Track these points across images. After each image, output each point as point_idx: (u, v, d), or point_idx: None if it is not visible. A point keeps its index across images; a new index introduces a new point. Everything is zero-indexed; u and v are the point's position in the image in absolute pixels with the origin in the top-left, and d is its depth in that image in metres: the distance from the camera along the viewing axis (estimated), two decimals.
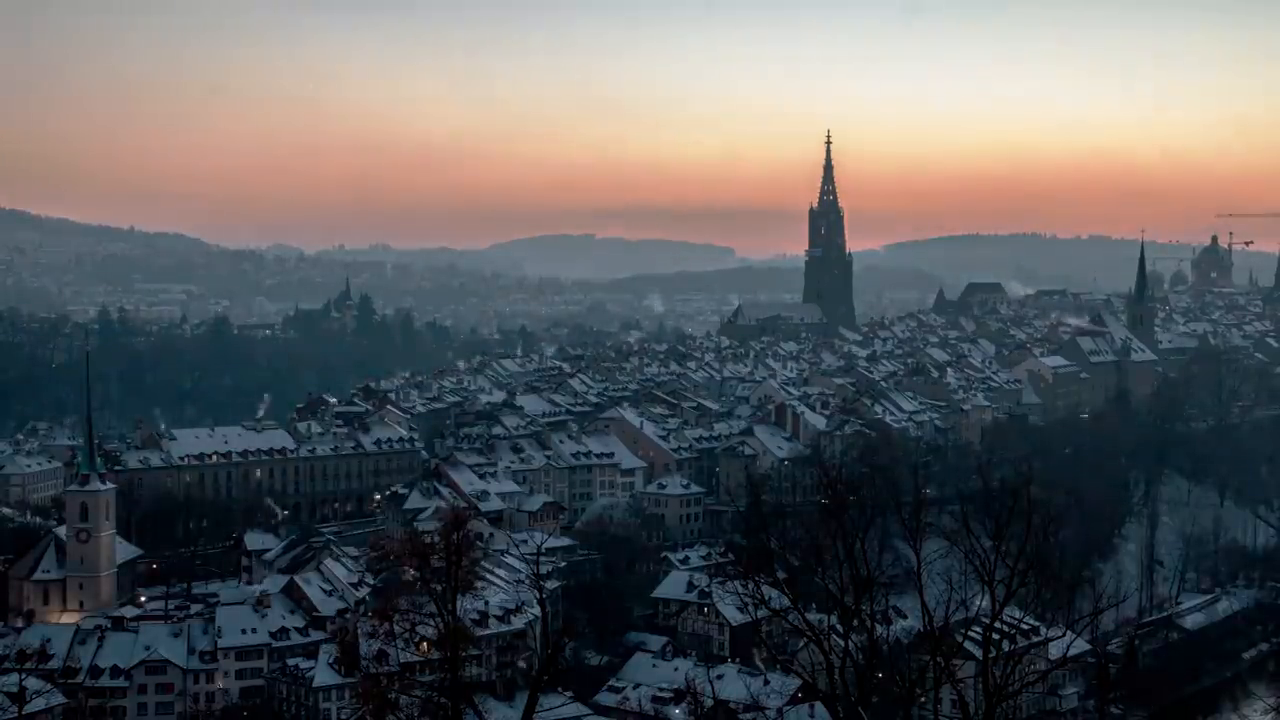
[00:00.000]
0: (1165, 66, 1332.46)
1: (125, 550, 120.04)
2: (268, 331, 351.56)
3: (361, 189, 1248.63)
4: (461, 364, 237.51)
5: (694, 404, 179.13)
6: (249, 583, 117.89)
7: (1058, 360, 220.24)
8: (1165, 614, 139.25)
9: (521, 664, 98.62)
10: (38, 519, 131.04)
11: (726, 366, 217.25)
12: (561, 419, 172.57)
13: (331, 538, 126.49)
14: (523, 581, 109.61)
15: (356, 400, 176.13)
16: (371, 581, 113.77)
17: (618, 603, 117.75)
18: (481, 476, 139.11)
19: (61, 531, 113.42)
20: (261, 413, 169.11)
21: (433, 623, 46.71)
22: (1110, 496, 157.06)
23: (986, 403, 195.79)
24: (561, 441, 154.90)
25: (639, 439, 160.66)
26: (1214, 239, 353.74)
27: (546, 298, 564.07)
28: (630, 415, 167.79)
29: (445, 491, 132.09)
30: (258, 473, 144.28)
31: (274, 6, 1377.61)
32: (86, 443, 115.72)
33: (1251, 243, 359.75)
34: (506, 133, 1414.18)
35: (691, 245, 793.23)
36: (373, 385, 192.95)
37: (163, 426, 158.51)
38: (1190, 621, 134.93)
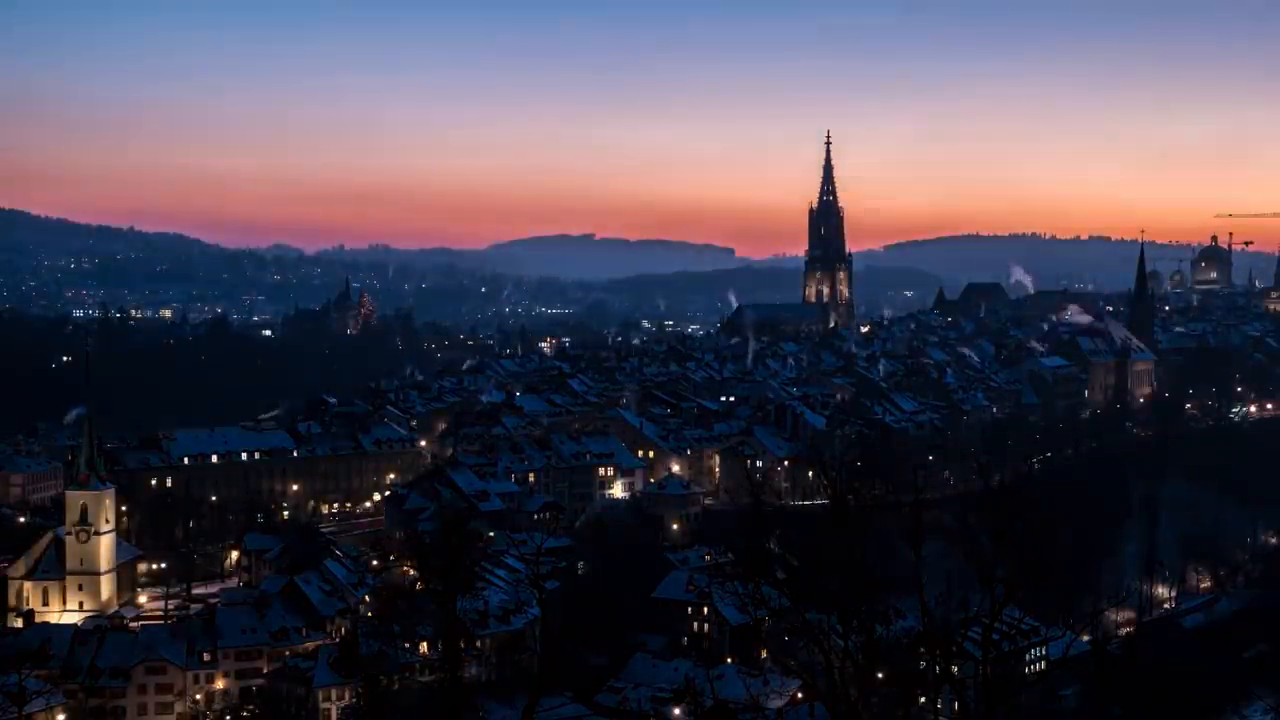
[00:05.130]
0: (1165, 65, 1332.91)
1: (125, 550, 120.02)
2: (268, 331, 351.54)
3: (361, 189, 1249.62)
4: (462, 364, 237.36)
5: (694, 404, 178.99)
6: (249, 583, 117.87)
7: (1058, 360, 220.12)
8: (1165, 614, 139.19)
9: (521, 664, 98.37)
10: (38, 519, 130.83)
11: (726, 366, 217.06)
12: (561, 419, 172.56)
13: (331, 538, 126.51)
14: (523, 581, 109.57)
15: (356, 400, 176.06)
16: (371, 581, 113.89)
17: (618, 603, 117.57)
18: (481, 476, 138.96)
19: (61, 531, 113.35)
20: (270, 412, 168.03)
21: (432, 623, 46.83)
22: (1110, 496, 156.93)
23: (986, 403, 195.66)
24: (561, 441, 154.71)
25: (639, 439, 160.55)
26: (1214, 239, 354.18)
27: (546, 298, 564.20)
28: (630, 415, 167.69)
29: (445, 492, 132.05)
30: (258, 473, 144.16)
31: (273, 8, 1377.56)
32: (87, 443, 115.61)
33: (1251, 243, 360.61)
34: (507, 133, 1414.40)
35: (691, 245, 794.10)
36: (373, 385, 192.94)
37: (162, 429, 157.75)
38: (1190, 621, 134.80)
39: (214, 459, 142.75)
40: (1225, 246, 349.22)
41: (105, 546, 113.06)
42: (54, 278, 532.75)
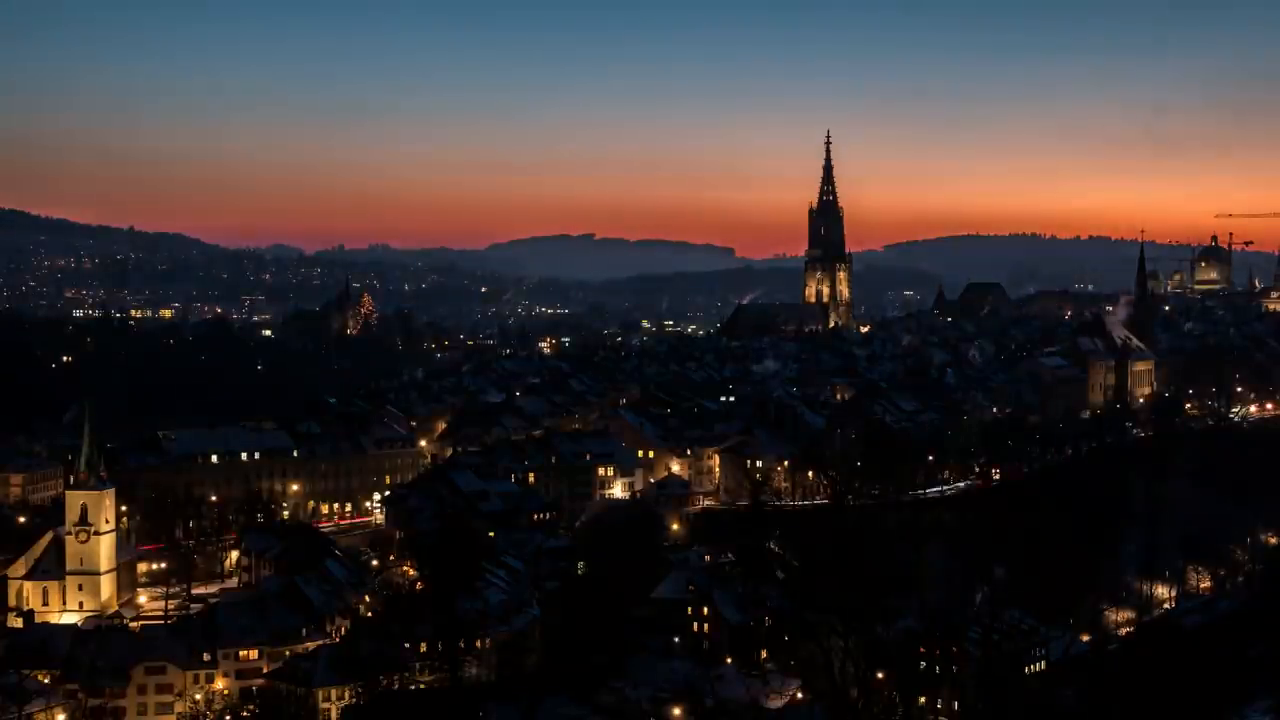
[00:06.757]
0: (1165, 65, 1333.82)
1: (125, 550, 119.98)
2: (268, 331, 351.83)
3: (361, 189, 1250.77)
4: (462, 364, 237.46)
5: (694, 404, 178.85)
6: (249, 583, 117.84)
7: (1058, 360, 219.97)
8: (1165, 614, 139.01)
9: (521, 664, 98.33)
10: (38, 519, 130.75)
11: (726, 366, 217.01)
12: (561, 419, 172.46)
13: (331, 538, 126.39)
14: (523, 581, 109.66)
15: (357, 400, 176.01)
16: (372, 581, 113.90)
17: (618, 603, 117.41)
18: (481, 476, 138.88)
19: (61, 531, 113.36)
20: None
21: (432, 623, 46.85)
22: (1110, 496, 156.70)
23: (986, 403, 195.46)
24: (561, 442, 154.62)
25: (639, 439, 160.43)
26: (1214, 239, 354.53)
27: (546, 298, 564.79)
28: (630, 415, 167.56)
29: (445, 492, 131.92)
30: (258, 473, 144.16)
31: (274, 8, 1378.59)
32: (87, 443, 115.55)
33: (1251, 243, 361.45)
34: (507, 133, 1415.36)
35: (691, 245, 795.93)
36: (373, 385, 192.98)
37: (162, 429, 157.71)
38: (1190, 621, 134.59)
39: (214, 459, 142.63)
40: (1225, 246, 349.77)
41: (105, 546, 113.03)
42: (54, 278, 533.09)
